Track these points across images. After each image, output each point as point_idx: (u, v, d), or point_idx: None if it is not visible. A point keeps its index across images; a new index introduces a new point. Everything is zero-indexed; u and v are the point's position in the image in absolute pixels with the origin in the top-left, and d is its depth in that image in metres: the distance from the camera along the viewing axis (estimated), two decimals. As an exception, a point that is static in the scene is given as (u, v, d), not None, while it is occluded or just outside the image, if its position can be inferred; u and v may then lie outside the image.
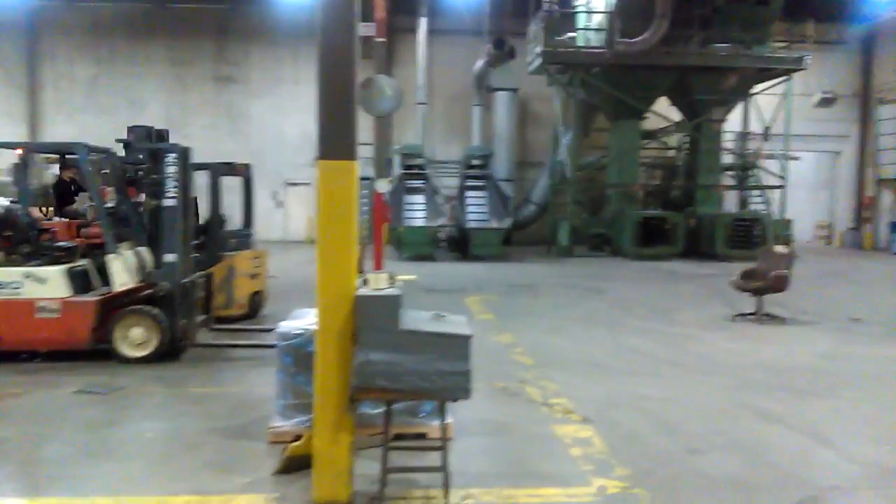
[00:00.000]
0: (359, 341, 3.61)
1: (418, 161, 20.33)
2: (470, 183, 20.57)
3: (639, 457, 4.73)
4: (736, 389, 6.46)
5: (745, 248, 18.73)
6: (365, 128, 21.56)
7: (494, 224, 19.37)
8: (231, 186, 10.30)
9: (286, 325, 4.85)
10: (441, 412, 3.94)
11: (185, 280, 7.29)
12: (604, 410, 5.73)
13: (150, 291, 7.23)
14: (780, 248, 11.13)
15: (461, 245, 20.07)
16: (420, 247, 18.91)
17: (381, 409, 4.35)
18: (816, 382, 6.80)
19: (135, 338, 7.06)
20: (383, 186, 13.99)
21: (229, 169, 9.43)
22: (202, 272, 7.98)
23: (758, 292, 10.12)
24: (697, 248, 19.61)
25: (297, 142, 23.54)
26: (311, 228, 24.28)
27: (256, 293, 9.76)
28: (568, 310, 11.02)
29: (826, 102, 25.08)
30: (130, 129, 7.39)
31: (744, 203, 22.44)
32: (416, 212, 19.81)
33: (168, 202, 7.13)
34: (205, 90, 23.83)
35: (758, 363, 7.58)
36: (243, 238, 9.92)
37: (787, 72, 20.14)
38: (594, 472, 4.42)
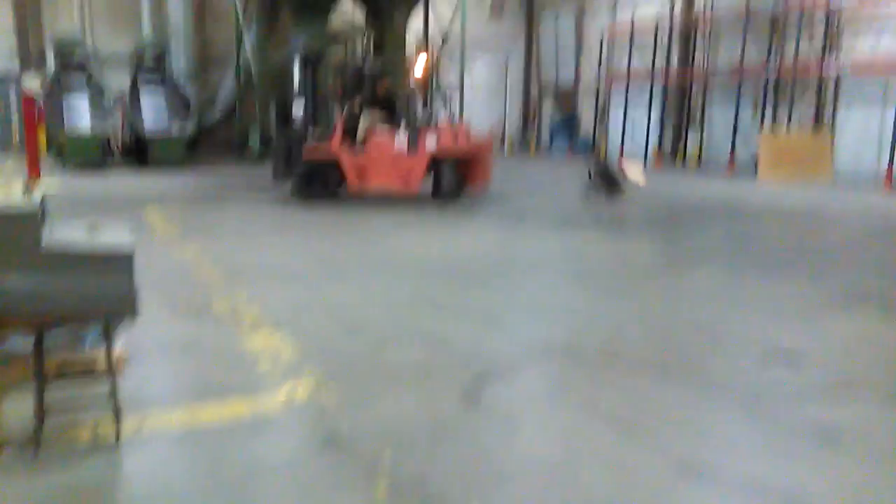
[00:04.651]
0: (-12, 265, 2.99)
1: (78, 54, 17.76)
2: (144, 82, 18.61)
3: (328, 359, 4.73)
4: (418, 285, 6.80)
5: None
6: (5, 11, 18.22)
7: (175, 128, 17.91)
8: None
9: None
10: (107, 336, 3.48)
11: None
12: (294, 318, 5.64)
13: None
14: None
15: (139, 152, 18.27)
16: (86, 154, 16.76)
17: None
18: (489, 272, 7.44)
19: None
20: (33, 84, 11.96)
21: None
22: None
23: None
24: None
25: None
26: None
27: None
28: (259, 219, 10.67)
29: (497, 11, 26.88)
30: None
31: (426, 106, 23.52)
32: (80, 114, 17.47)
33: None
34: None
35: (437, 258, 8.10)
36: None
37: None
38: (283, 378, 4.33)
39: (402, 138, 11.87)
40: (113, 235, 3.32)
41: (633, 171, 13.61)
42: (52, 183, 13.17)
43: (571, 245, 9.09)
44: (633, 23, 22.98)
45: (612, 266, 7.95)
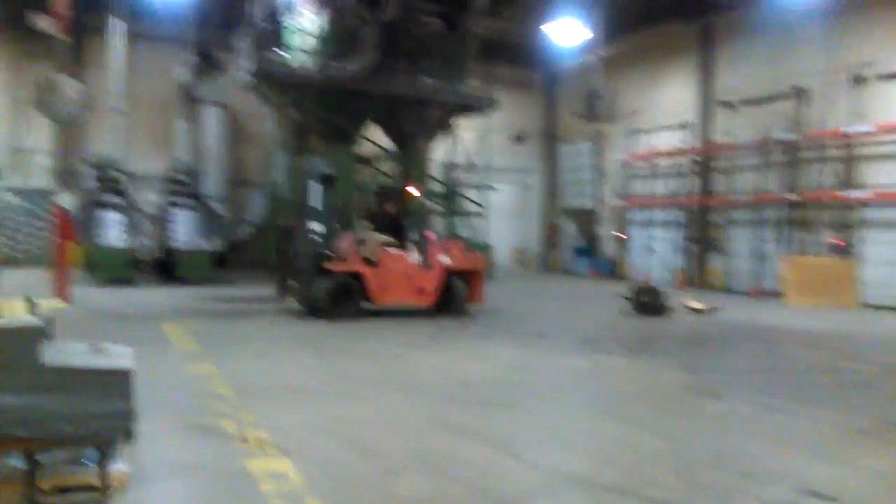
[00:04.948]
0: (-15, 382, 2.93)
1: (113, 174, 18.48)
2: (176, 200, 19.20)
3: (334, 486, 4.53)
4: (433, 405, 6.61)
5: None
6: (37, 133, 19.20)
7: (204, 245, 18.26)
8: None
9: None
10: (102, 459, 3.36)
11: None
12: (303, 439, 5.47)
13: None
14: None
15: (167, 268, 18.57)
16: (116, 269, 17.13)
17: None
18: (505, 394, 7.22)
19: None
20: (66, 201, 12.37)
21: None
22: None
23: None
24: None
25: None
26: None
27: None
28: (278, 335, 10.62)
29: (519, 139, 27.77)
30: None
31: (450, 228, 23.88)
32: (112, 230, 17.96)
33: None
34: None
35: (453, 378, 7.90)
36: None
37: (484, 109, 21.90)
38: (285, 508, 4.13)
39: (415, 254, 12.23)
40: (115, 358, 3.26)
41: (693, 301, 14.64)
42: (79, 296, 13.36)
43: (593, 368, 8.86)
44: (651, 150, 23.55)
45: (636, 391, 7.70)
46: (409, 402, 6.77)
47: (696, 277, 22.23)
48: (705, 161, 22.35)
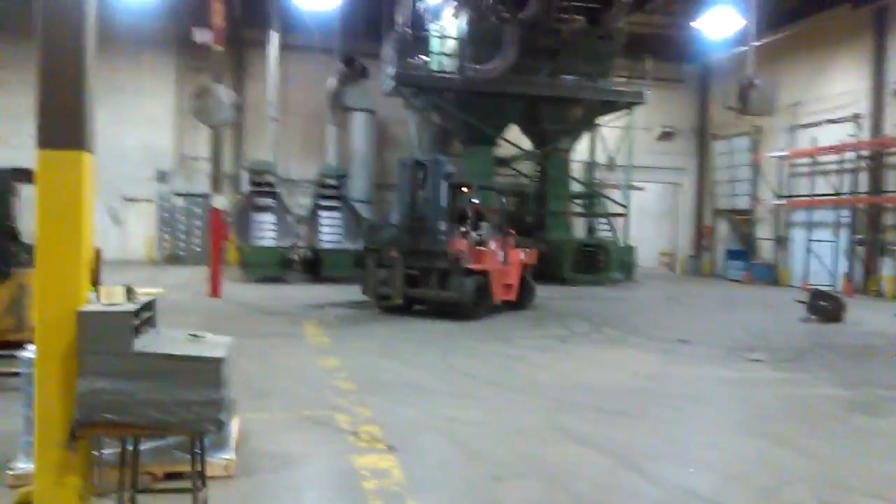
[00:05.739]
0: (81, 366, 3.04)
1: (268, 178, 19.54)
2: (324, 203, 20.00)
3: (437, 488, 4.38)
4: (552, 411, 6.31)
5: (591, 272, 19.26)
6: (201, 141, 20.68)
7: (348, 245, 18.84)
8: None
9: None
10: (194, 447, 3.40)
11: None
12: (414, 437, 5.37)
13: None
14: None
15: (314, 266, 19.35)
16: (268, 267, 18.07)
17: (152, 445, 3.89)
18: (633, 403, 6.77)
19: None
20: (221, 202, 13.17)
21: (26, 176, 8.34)
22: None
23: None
24: (547, 272, 19.94)
25: (139, 155, 22.11)
26: (152, 247, 22.76)
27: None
28: (408, 332, 10.69)
29: (666, 136, 26.54)
30: None
31: (591, 230, 23.18)
32: (265, 231, 18.99)
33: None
34: (32, 95, 21.84)
35: (579, 384, 7.53)
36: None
37: (629, 105, 21.08)
38: (384, 508, 4.02)
39: (499, 251, 12.61)
40: (209, 346, 3.28)
41: None
42: (231, 291, 14.20)
43: (738, 378, 8.15)
44: (815, 145, 21.68)
45: (783, 405, 6.97)
46: (527, 406, 6.52)
47: (864, 284, 20.16)
48: (876, 156, 20.23)
